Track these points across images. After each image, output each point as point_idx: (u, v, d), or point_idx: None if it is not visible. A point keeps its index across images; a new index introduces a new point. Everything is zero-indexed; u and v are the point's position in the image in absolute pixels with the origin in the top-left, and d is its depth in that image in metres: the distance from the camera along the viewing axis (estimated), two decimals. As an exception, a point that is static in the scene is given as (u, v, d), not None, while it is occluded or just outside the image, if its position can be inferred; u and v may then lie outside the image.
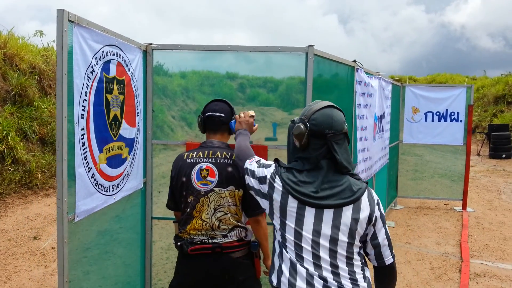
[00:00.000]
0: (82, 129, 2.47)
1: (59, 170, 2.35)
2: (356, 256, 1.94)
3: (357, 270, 1.93)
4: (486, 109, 19.31)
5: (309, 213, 1.90)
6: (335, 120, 1.96)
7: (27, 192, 8.25)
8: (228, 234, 2.61)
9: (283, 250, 1.97)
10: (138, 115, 3.26)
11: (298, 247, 1.92)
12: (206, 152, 2.69)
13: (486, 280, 4.98)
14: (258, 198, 2.16)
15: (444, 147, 8.92)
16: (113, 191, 2.92)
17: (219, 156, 2.66)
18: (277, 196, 1.98)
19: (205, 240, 2.61)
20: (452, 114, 7.82)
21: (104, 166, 2.76)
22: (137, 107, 3.24)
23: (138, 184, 3.40)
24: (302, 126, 1.96)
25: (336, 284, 1.88)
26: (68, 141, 2.37)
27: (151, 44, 3.41)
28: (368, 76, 5.01)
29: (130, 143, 3.13)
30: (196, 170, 2.64)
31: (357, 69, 4.54)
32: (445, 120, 7.85)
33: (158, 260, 5.06)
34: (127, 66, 3.01)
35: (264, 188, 2.06)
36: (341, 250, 1.90)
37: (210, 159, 2.65)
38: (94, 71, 2.55)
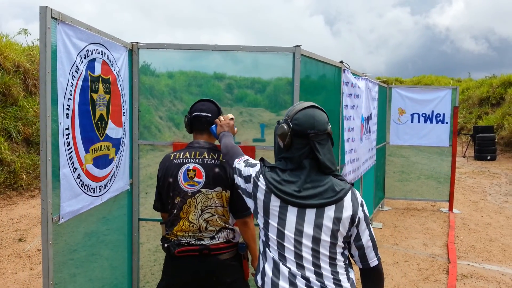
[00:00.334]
0: (67, 128, 2.42)
1: (43, 171, 2.30)
2: (339, 257, 1.94)
3: (341, 270, 1.93)
4: (471, 111, 19.51)
5: (292, 212, 1.91)
6: (317, 120, 1.98)
7: (11, 193, 8.14)
8: (216, 236, 2.59)
9: (267, 249, 1.98)
10: (124, 115, 3.22)
11: (281, 247, 1.93)
12: (193, 152, 2.65)
13: (473, 281, 5.01)
14: (244, 197, 2.18)
15: (430, 148, 8.98)
16: (100, 192, 2.88)
17: (206, 157, 2.63)
18: (260, 195, 1.99)
19: (192, 242, 2.58)
20: (438, 115, 7.87)
21: (90, 166, 2.71)
22: (123, 106, 3.19)
23: (125, 185, 3.35)
24: (285, 126, 1.99)
25: (319, 284, 1.88)
26: (53, 141, 2.32)
27: (137, 43, 3.37)
28: (355, 77, 5.02)
29: (116, 143, 3.09)
30: (183, 170, 2.60)
31: (344, 70, 4.54)
32: (431, 121, 7.90)
33: (145, 262, 5.00)
34: (112, 65, 2.96)
35: (249, 187, 2.08)
36: (324, 250, 1.90)
37: (197, 160, 2.61)
38: (78, 70, 2.51)
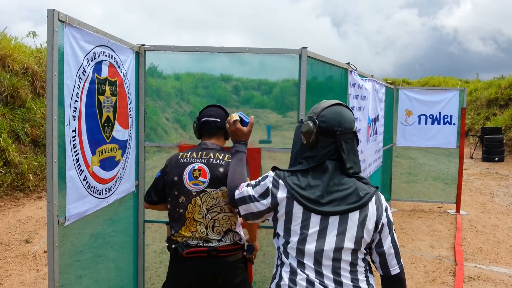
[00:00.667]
0: (74, 130, 2.43)
1: (49, 173, 2.31)
2: (360, 263, 1.87)
3: (361, 277, 1.86)
4: (479, 112, 19.40)
5: (315, 219, 1.83)
6: (345, 118, 1.91)
7: (19, 195, 8.19)
8: (223, 238, 2.59)
9: (284, 257, 1.89)
10: (130, 117, 3.23)
11: (301, 253, 1.84)
12: (200, 153, 2.68)
13: (480, 283, 4.97)
14: (258, 214, 1.99)
15: (437, 150, 8.95)
16: (106, 194, 2.89)
17: (212, 157, 2.64)
18: (282, 202, 1.88)
19: (200, 244, 2.58)
20: (446, 117, 7.83)
21: (97, 168, 2.72)
22: (129, 108, 3.20)
23: (131, 186, 3.36)
24: (310, 124, 1.91)
25: None
26: (59, 143, 2.33)
27: (143, 45, 3.38)
28: (361, 79, 5.00)
29: (123, 145, 3.10)
30: (188, 170, 2.62)
31: (351, 71, 4.53)
32: (438, 123, 7.86)
33: (151, 263, 5.02)
34: (119, 67, 2.98)
35: (267, 201, 1.92)
36: (346, 257, 1.82)
37: (203, 160, 2.63)
38: (85, 72, 2.52)
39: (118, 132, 2.98)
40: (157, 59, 3.62)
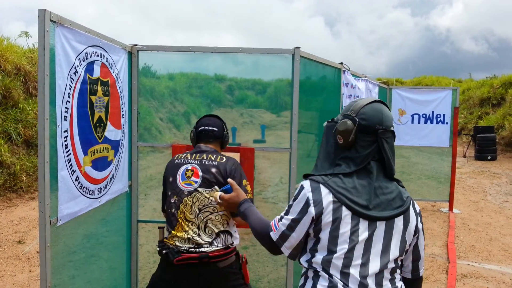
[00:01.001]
0: (65, 131, 2.43)
1: (41, 173, 2.31)
2: (398, 270, 1.80)
3: (398, 284, 1.78)
4: (472, 111, 19.50)
5: (363, 225, 1.69)
6: (386, 115, 1.79)
7: (11, 196, 8.14)
8: (214, 241, 2.59)
9: (322, 270, 1.71)
10: (123, 117, 3.23)
11: (347, 263, 1.68)
12: (194, 154, 2.72)
13: (473, 281, 5.00)
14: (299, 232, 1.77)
15: (430, 149, 8.98)
16: (98, 194, 2.88)
17: (205, 158, 2.69)
18: (327, 208, 1.70)
19: (192, 249, 2.58)
20: (438, 116, 7.88)
21: (89, 169, 2.72)
22: (122, 109, 3.20)
23: (124, 187, 3.36)
24: (348, 122, 1.76)
25: None
26: (51, 144, 2.33)
27: (136, 45, 3.38)
28: (355, 78, 5.03)
29: (115, 145, 3.10)
30: (182, 170, 2.66)
31: (344, 71, 4.54)
32: (431, 122, 7.90)
33: (145, 263, 5.01)
34: (111, 67, 2.97)
35: (309, 214, 1.72)
36: (390, 265, 1.73)
37: (196, 161, 2.68)
38: (77, 72, 2.52)
39: (111, 132, 2.97)
40: (150, 59, 3.62)
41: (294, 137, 3.45)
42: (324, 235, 1.71)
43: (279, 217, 1.84)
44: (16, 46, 11.21)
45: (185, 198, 2.60)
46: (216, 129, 2.81)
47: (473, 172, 12.79)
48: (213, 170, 2.63)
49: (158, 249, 2.70)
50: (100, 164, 2.85)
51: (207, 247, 2.58)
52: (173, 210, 2.63)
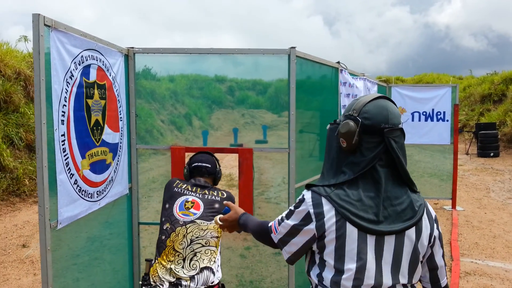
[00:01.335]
0: (63, 135, 2.44)
1: (40, 177, 2.32)
2: (412, 284, 1.67)
3: None
4: (473, 108, 19.44)
5: (370, 241, 1.56)
6: (391, 112, 1.61)
7: (15, 200, 8.17)
8: (196, 277, 2.58)
9: None
10: (121, 120, 3.23)
11: (358, 284, 1.57)
12: (195, 187, 2.79)
13: (476, 278, 4.99)
14: (303, 249, 1.68)
15: (433, 146, 8.97)
16: (97, 197, 2.89)
17: (207, 193, 2.76)
18: (330, 225, 1.57)
19: None
20: (438, 113, 7.86)
21: (87, 172, 2.72)
22: (120, 111, 3.21)
23: (124, 189, 3.37)
24: (351, 123, 1.60)
25: None
26: (49, 148, 2.34)
27: (132, 47, 3.38)
28: (352, 77, 5.02)
29: (114, 148, 3.10)
30: (181, 200, 2.71)
31: (341, 70, 4.54)
32: (432, 119, 7.89)
33: (147, 265, 5.02)
34: (108, 70, 2.98)
35: (310, 226, 1.60)
36: (403, 280, 1.60)
37: (198, 194, 2.74)
38: (73, 76, 2.52)
39: (108, 135, 2.98)
40: (150, 62, 3.63)
41: (292, 137, 3.45)
42: (329, 253, 1.58)
43: (279, 218, 1.73)
44: (15, 51, 11.25)
45: (179, 228, 2.63)
46: (209, 166, 2.91)
47: (476, 169, 12.75)
48: (216, 205, 2.70)
49: (140, 283, 2.73)
50: (99, 167, 2.86)
51: (185, 283, 2.56)
52: (163, 237, 2.66)
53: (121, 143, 3.23)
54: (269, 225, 1.79)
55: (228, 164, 12.70)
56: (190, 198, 2.72)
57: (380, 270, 1.56)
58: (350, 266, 1.55)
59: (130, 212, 3.58)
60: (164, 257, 2.62)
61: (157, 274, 2.61)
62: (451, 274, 5.08)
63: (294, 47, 3.34)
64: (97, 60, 2.82)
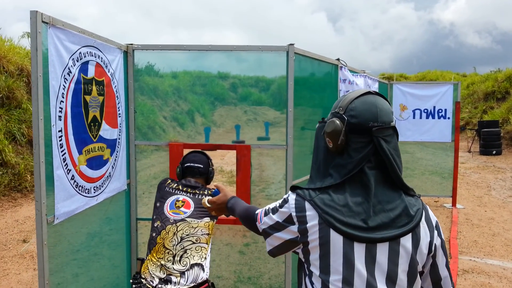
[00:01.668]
0: (60, 130, 2.46)
1: (37, 173, 2.34)
2: None
3: None
4: (476, 106, 19.40)
5: (359, 250, 1.42)
6: (381, 109, 1.48)
7: (16, 195, 8.21)
8: (186, 273, 2.60)
9: None
10: (119, 116, 3.25)
11: None
12: (186, 188, 2.81)
13: (474, 276, 5.00)
14: (284, 246, 1.57)
15: (435, 144, 8.98)
16: (94, 192, 2.91)
17: (197, 193, 2.79)
18: (312, 231, 1.45)
19: (160, 287, 2.59)
20: (440, 111, 7.86)
21: (84, 167, 2.75)
22: (118, 108, 3.23)
23: (122, 185, 3.39)
24: (336, 121, 1.48)
25: None
26: (46, 143, 2.36)
27: (131, 44, 3.40)
28: (353, 74, 5.02)
29: (111, 144, 3.12)
30: (171, 200, 2.74)
31: (341, 67, 4.55)
32: (433, 117, 7.89)
33: (146, 261, 5.04)
34: (106, 67, 3.00)
35: (293, 229, 1.50)
36: None
37: (188, 194, 2.78)
38: (71, 72, 2.54)
39: (106, 131, 3.00)
40: (153, 58, 3.65)
41: (290, 134, 3.47)
42: (314, 261, 1.47)
43: (266, 209, 1.64)
44: (18, 47, 11.30)
45: (169, 226, 2.66)
46: (202, 166, 2.92)
47: (478, 167, 12.74)
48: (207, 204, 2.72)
49: (130, 281, 2.74)
50: (96, 163, 2.88)
51: (177, 279, 2.59)
52: (154, 234, 2.69)
53: (119, 139, 3.25)
54: (256, 212, 1.71)
55: (230, 160, 12.72)
56: (181, 198, 2.75)
57: (374, 280, 1.42)
58: (336, 277, 1.43)
59: (128, 208, 3.60)
60: (154, 254, 2.65)
61: (147, 270, 2.64)
62: (450, 272, 5.09)
63: (293, 44, 3.35)
64: (95, 57, 2.83)
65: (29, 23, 2.26)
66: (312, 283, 1.49)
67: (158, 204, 2.76)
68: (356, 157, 1.45)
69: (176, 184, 2.84)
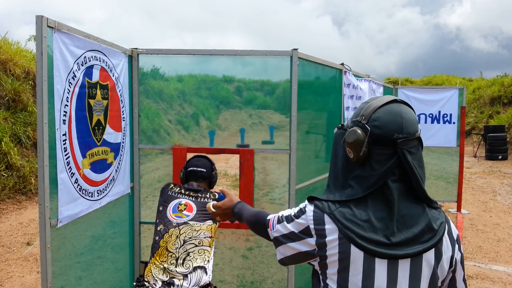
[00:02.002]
0: (64, 134, 2.47)
1: (41, 176, 2.35)
2: None
3: None
4: (482, 111, 19.33)
5: (380, 266, 1.37)
6: (406, 120, 1.40)
7: (21, 198, 8.25)
8: (189, 275, 2.61)
9: None
10: (124, 120, 3.27)
11: None
12: (188, 191, 2.84)
13: (478, 282, 4.98)
14: (298, 257, 1.51)
15: (440, 148, 8.93)
16: (98, 196, 2.92)
17: (200, 195, 2.82)
18: (332, 246, 1.40)
19: None
20: (445, 116, 7.83)
21: (88, 171, 2.76)
22: (122, 111, 3.24)
23: (125, 189, 3.40)
24: (358, 131, 1.41)
25: None
26: (50, 147, 2.38)
27: (136, 48, 3.42)
28: (357, 79, 5.02)
29: (115, 148, 3.14)
30: (174, 203, 2.77)
31: (345, 72, 4.55)
32: (438, 122, 7.86)
33: (149, 264, 5.05)
34: (111, 71, 3.01)
35: (310, 241, 1.44)
36: None
37: (191, 197, 2.80)
38: (75, 77, 2.56)
39: (110, 135, 3.01)
40: (159, 62, 3.67)
41: (294, 139, 3.47)
42: (332, 275, 1.43)
43: (280, 216, 1.56)
44: (25, 50, 11.38)
45: (172, 229, 2.68)
46: (205, 170, 2.95)
47: (483, 172, 12.68)
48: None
49: (134, 284, 2.76)
50: (99, 166, 2.89)
51: (180, 281, 2.59)
52: (157, 238, 2.71)
53: (123, 143, 3.27)
54: (268, 218, 1.63)
55: (234, 164, 12.72)
56: (183, 201, 2.77)
57: None
58: (356, 285, 1.38)
59: (132, 211, 3.61)
60: (157, 258, 2.66)
61: (150, 273, 2.65)
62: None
63: (296, 49, 3.35)
64: (100, 61, 2.85)
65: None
66: None
67: (161, 208, 2.78)
68: (380, 170, 1.39)
69: (178, 188, 2.86)
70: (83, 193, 2.70)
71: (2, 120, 8.85)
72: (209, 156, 3.12)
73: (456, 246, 1.46)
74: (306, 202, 1.48)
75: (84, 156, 2.69)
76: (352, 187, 1.41)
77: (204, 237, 2.67)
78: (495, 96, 19.11)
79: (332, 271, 1.41)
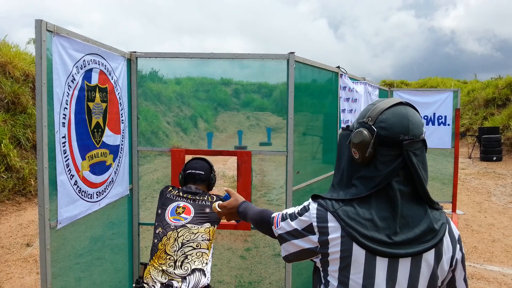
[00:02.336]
0: (64, 137, 2.52)
1: (40, 178, 2.39)
2: None
3: None
4: (477, 112, 19.41)
5: (381, 264, 1.40)
6: (412, 122, 1.42)
7: (20, 199, 8.28)
8: (188, 277, 2.65)
9: None
10: (122, 122, 3.31)
11: None
12: (186, 194, 2.86)
13: (474, 282, 5.03)
14: (301, 254, 1.54)
15: (435, 150, 8.98)
16: (97, 197, 2.96)
17: (198, 199, 2.84)
18: (334, 243, 1.43)
19: None
20: (440, 117, 7.89)
21: (87, 173, 2.80)
22: (121, 114, 3.29)
23: (124, 190, 3.44)
24: (365, 132, 1.43)
25: None
26: (50, 149, 2.42)
27: (135, 52, 3.47)
28: (353, 82, 5.08)
29: (114, 150, 3.18)
30: (172, 206, 2.79)
31: (341, 75, 4.60)
32: (433, 123, 7.93)
33: (148, 265, 5.09)
34: (110, 74, 3.06)
35: (312, 238, 1.47)
36: None
37: (189, 200, 2.82)
38: (75, 80, 2.60)
39: (109, 137, 3.06)
40: (158, 65, 3.74)
41: (290, 140, 3.52)
42: (333, 272, 1.45)
43: (284, 214, 1.59)
44: (24, 53, 11.40)
45: (170, 232, 2.71)
46: (203, 173, 2.97)
47: (478, 173, 12.75)
48: (207, 210, 2.77)
49: (134, 285, 2.80)
50: (98, 168, 2.94)
51: (178, 284, 2.63)
52: (155, 240, 2.74)
53: (122, 145, 3.31)
54: (272, 216, 1.66)
55: (232, 166, 12.75)
56: (182, 204, 2.80)
57: (393, 287, 1.40)
58: (356, 284, 1.40)
59: (131, 212, 3.65)
60: (156, 260, 2.69)
61: (149, 275, 2.68)
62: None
63: (293, 52, 3.41)
64: (99, 64, 2.90)
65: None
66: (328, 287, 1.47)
67: (159, 211, 2.81)
68: (384, 171, 1.41)
69: (177, 191, 2.88)
70: (82, 195, 2.75)
71: (2, 122, 8.88)
72: (207, 158, 3.16)
73: (458, 246, 1.48)
74: (310, 200, 1.51)
75: (83, 158, 2.73)
76: (356, 187, 1.44)
77: (202, 240, 2.70)
78: (490, 98, 19.20)
79: (334, 268, 1.43)
